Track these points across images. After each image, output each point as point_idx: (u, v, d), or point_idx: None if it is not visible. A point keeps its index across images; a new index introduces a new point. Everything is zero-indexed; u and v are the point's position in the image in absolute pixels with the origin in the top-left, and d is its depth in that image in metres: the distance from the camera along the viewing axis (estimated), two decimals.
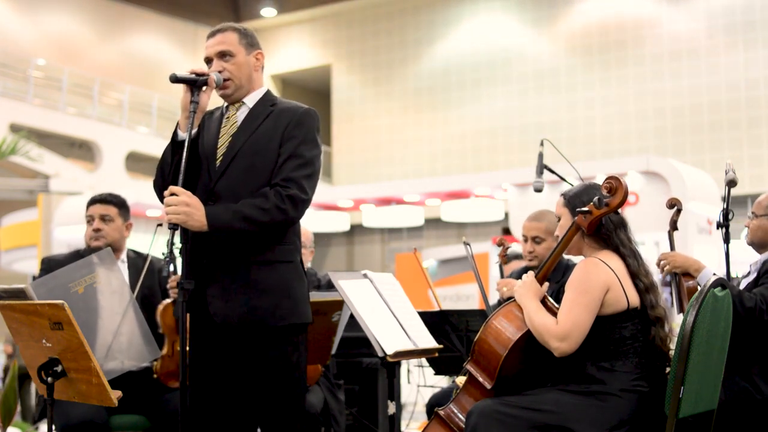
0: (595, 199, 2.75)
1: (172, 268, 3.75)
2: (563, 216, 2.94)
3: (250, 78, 2.84)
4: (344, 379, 4.83)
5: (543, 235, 3.90)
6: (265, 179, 2.73)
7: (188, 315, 2.79)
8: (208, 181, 2.77)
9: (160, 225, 2.63)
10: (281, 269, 2.76)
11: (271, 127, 2.78)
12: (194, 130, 2.69)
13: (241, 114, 2.85)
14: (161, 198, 2.70)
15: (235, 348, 2.75)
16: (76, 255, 3.74)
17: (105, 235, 3.80)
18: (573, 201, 2.90)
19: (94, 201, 3.86)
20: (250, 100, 2.86)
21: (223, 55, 2.80)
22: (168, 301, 3.80)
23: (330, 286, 4.30)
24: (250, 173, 2.74)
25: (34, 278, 4.23)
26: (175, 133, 2.73)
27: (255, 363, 2.73)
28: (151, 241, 3.65)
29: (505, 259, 4.17)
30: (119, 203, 3.88)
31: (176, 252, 2.60)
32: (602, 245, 2.84)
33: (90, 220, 3.82)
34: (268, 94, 2.90)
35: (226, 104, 2.90)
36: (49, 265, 3.69)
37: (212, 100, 2.78)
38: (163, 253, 2.57)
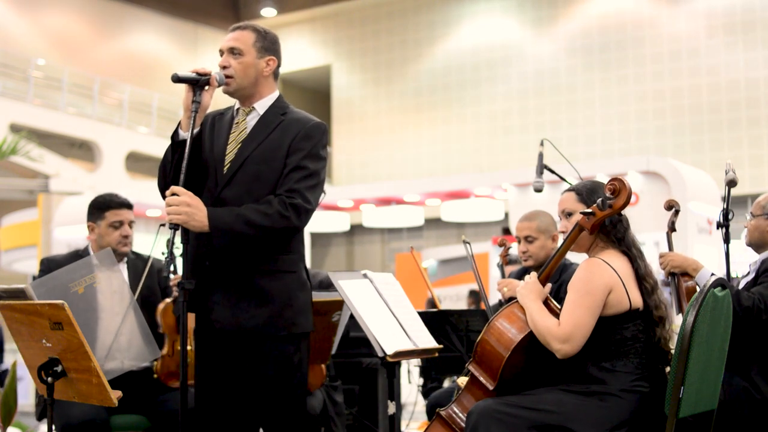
0: (599, 200, 2.75)
1: (172, 267, 3.74)
2: (577, 212, 2.89)
3: (255, 81, 2.82)
4: (344, 379, 4.83)
5: (535, 234, 3.93)
6: (270, 189, 2.74)
7: (191, 316, 2.79)
8: (215, 187, 2.77)
9: (163, 225, 2.62)
10: (285, 279, 2.76)
11: (280, 137, 2.77)
12: (196, 130, 2.69)
13: (251, 120, 2.84)
14: (164, 197, 2.70)
15: (236, 350, 2.75)
16: (76, 255, 3.73)
17: (131, 242, 3.82)
18: (591, 196, 2.88)
19: (122, 205, 3.81)
20: (261, 107, 2.84)
21: (233, 51, 2.80)
22: (168, 300, 3.79)
23: (321, 288, 4.30)
24: (256, 182, 2.74)
25: (34, 278, 4.23)
26: (175, 133, 2.73)
27: (256, 364, 2.73)
28: (154, 242, 3.65)
29: (507, 259, 4.18)
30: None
31: (176, 252, 2.60)
32: (612, 244, 2.83)
33: (119, 224, 3.78)
34: (279, 100, 2.88)
35: (237, 107, 2.89)
36: (49, 265, 3.68)
37: (216, 98, 2.78)
38: (162, 253, 2.56)
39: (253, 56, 2.80)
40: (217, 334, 2.75)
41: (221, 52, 2.83)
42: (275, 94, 2.88)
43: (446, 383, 6.77)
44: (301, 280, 2.81)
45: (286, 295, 2.75)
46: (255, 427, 2.84)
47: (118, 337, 3.04)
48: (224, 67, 2.79)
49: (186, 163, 2.62)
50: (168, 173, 2.75)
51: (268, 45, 2.84)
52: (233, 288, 2.72)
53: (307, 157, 2.76)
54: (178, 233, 2.61)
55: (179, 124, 2.74)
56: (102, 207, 3.80)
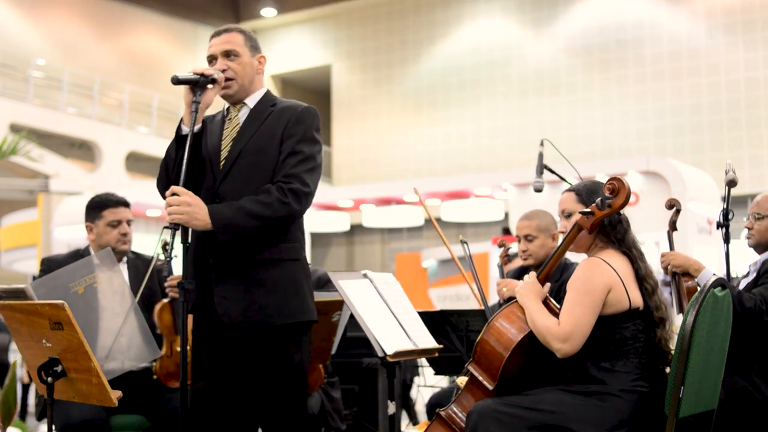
0: (598, 200, 2.75)
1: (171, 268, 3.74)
2: (576, 212, 2.89)
3: (252, 80, 2.87)
4: (344, 379, 4.83)
5: (535, 233, 3.93)
6: (268, 178, 2.75)
7: (190, 315, 2.79)
8: (212, 183, 2.78)
9: (167, 227, 2.62)
10: (288, 267, 2.77)
11: (272, 126, 2.80)
12: (197, 126, 2.70)
13: (243, 114, 2.87)
14: (164, 195, 2.71)
15: (238, 348, 2.75)
16: (76, 255, 3.73)
17: (130, 239, 3.81)
18: (591, 197, 2.88)
19: (119, 203, 3.81)
20: (251, 101, 2.88)
21: (228, 54, 2.81)
22: (165, 301, 3.79)
23: (318, 284, 4.30)
24: (254, 173, 2.75)
25: (34, 278, 4.23)
26: (179, 128, 2.74)
27: (258, 363, 2.74)
28: (157, 243, 3.65)
29: (507, 259, 4.18)
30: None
31: (174, 252, 2.60)
32: (612, 245, 2.83)
33: (117, 223, 3.78)
34: (268, 94, 2.92)
35: (226, 107, 2.91)
36: (49, 265, 3.68)
37: (215, 102, 2.78)
38: (157, 254, 2.56)
39: (248, 55, 2.85)
40: (220, 328, 2.75)
41: (211, 59, 2.83)
42: (264, 89, 2.93)
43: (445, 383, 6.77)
44: (304, 268, 2.84)
45: (292, 284, 2.76)
46: (254, 426, 2.84)
47: (118, 337, 3.04)
48: (223, 71, 2.79)
49: (186, 160, 2.62)
50: (171, 169, 2.76)
51: (255, 44, 2.90)
52: (239, 281, 2.72)
53: (301, 141, 2.77)
54: (178, 233, 2.61)
55: (182, 120, 2.75)
56: (99, 206, 3.80)
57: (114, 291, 3.07)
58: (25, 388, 7.98)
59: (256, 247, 2.72)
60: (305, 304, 2.80)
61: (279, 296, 2.73)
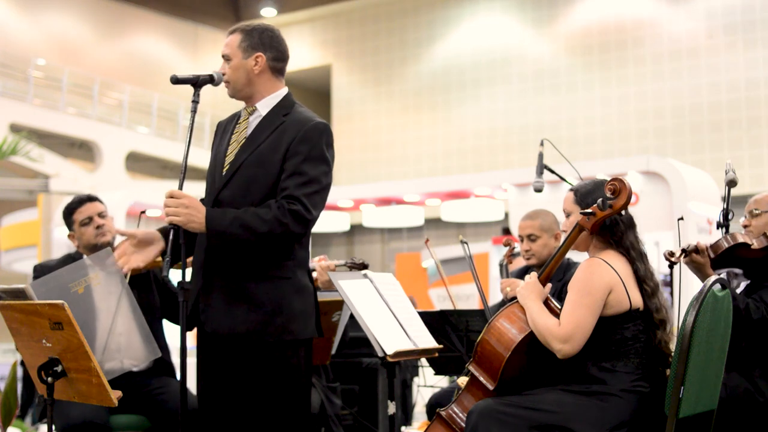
0: (599, 200, 2.75)
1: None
2: (573, 212, 2.91)
3: (248, 81, 2.80)
4: (344, 379, 4.83)
5: (538, 233, 3.92)
6: (265, 192, 2.71)
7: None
8: (214, 188, 2.78)
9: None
10: (277, 285, 2.70)
11: (277, 140, 2.73)
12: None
13: (253, 121, 2.82)
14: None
15: (231, 354, 2.74)
16: (68, 259, 3.74)
17: (110, 230, 3.81)
18: (585, 198, 2.88)
19: (82, 202, 3.82)
20: (264, 106, 2.82)
21: (224, 57, 2.82)
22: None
23: None
24: (252, 186, 2.72)
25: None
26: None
27: (251, 369, 2.72)
28: None
29: (512, 259, 4.18)
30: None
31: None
32: (610, 245, 2.83)
33: (88, 221, 3.78)
34: (284, 100, 2.84)
35: (244, 108, 2.91)
36: (42, 271, 3.66)
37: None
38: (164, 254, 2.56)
39: (239, 58, 2.78)
40: (211, 336, 2.75)
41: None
42: (280, 93, 2.85)
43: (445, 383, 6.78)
44: (296, 285, 2.74)
45: (278, 302, 2.69)
46: (254, 426, 2.83)
47: (117, 337, 3.04)
48: (222, 74, 2.81)
49: (185, 159, 2.64)
50: None
51: (256, 43, 2.79)
52: (226, 292, 2.70)
53: (306, 162, 2.70)
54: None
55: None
56: (69, 213, 3.83)
57: (111, 290, 3.07)
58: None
59: (249, 261, 2.69)
60: (291, 324, 2.71)
61: (263, 314, 2.68)
